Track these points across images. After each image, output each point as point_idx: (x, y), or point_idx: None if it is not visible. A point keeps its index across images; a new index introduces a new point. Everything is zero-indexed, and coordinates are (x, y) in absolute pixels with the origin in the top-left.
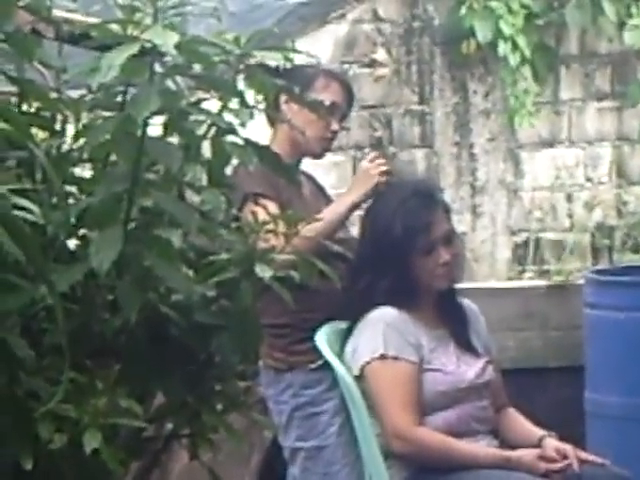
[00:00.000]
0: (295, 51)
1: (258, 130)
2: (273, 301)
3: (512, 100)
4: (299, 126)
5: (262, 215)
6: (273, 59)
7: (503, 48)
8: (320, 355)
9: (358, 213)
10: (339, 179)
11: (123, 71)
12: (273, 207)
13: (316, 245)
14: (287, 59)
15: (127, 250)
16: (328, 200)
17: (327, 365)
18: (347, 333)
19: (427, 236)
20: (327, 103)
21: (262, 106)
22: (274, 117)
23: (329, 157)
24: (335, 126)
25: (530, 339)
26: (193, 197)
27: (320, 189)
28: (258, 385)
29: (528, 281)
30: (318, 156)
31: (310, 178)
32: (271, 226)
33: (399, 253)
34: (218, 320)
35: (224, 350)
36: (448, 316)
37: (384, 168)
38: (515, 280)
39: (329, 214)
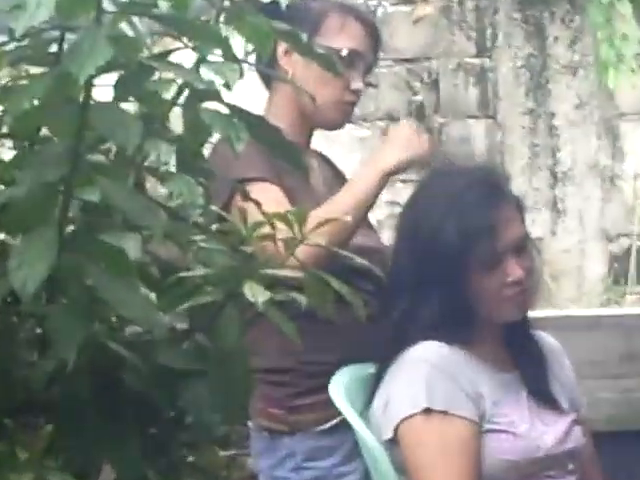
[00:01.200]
0: None
1: (250, 94)
2: (269, 336)
3: (604, 49)
4: (307, 87)
5: (255, 213)
6: None
7: None
8: (335, 412)
9: (392, 212)
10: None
11: (59, 9)
12: (277, 194)
13: (328, 256)
14: None
15: (63, 263)
16: None
17: (345, 426)
18: (375, 380)
19: (491, 244)
20: (344, 52)
21: (254, 60)
22: (271, 75)
23: (350, 130)
24: (357, 84)
25: (634, 389)
26: (157, 188)
27: (338, 176)
28: (247, 455)
29: (631, 308)
30: (334, 128)
31: (325, 161)
32: (267, 229)
33: (451, 267)
34: (191, 363)
35: (199, 406)
36: (518, 356)
37: (430, 142)
38: (613, 306)
39: (344, 197)
